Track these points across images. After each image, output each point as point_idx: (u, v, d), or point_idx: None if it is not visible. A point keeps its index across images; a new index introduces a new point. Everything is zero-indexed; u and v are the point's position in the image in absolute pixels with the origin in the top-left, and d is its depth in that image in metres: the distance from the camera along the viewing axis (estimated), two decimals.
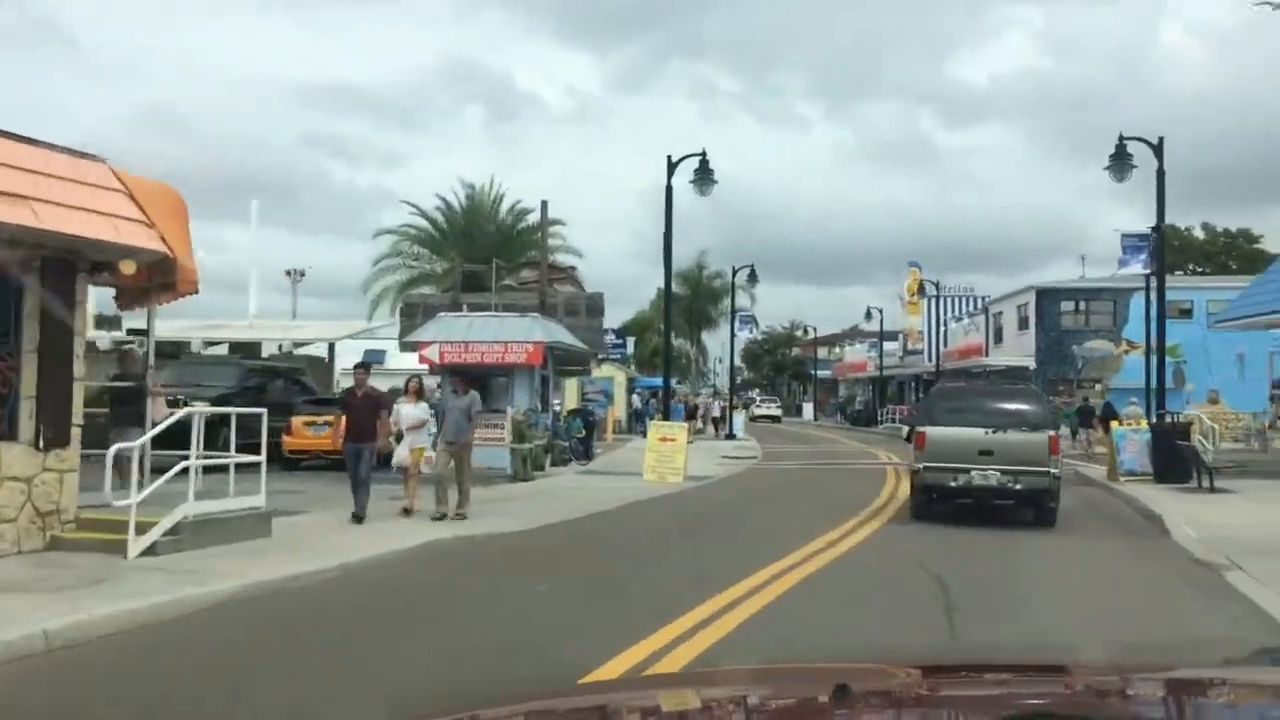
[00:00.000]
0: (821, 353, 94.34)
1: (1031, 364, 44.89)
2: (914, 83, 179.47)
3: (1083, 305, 45.42)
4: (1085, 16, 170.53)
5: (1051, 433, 14.93)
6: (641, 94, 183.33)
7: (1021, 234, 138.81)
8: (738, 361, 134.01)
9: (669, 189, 24.25)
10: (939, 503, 15.44)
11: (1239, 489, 19.18)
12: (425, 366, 24.74)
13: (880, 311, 64.94)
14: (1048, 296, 45.14)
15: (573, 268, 34.01)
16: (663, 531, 14.73)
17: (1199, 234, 69.94)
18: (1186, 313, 44.11)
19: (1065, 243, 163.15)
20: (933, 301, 55.63)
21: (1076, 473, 24.09)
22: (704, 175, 24.19)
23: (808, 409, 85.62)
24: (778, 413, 75.96)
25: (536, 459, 23.89)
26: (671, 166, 24.35)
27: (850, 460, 32.42)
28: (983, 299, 56.81)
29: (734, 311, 44.85)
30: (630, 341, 56.44)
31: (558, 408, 28.60)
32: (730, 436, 44.53)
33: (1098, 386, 44.66)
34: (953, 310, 60.31)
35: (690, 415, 36.28)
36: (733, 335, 44.89)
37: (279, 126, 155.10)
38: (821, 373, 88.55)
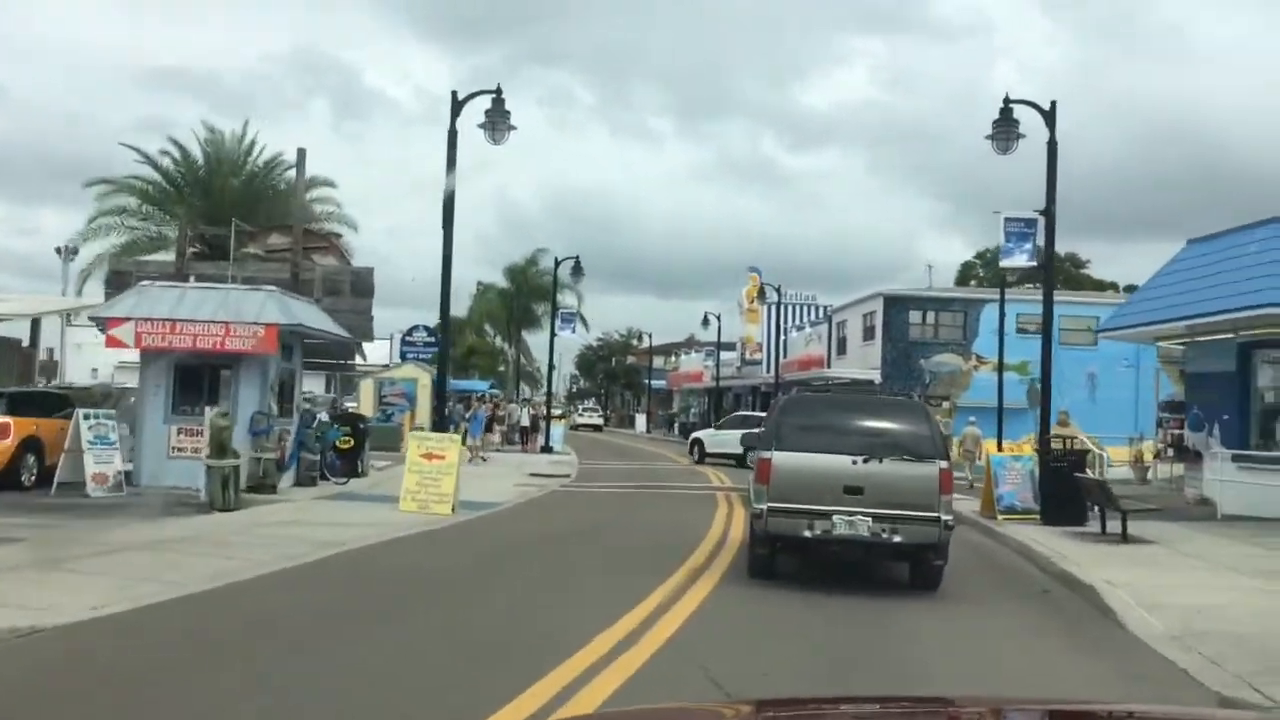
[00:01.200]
0: (659, 362, 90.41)
1: (877, 377, 41.25)
2: (763, 105, 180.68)
3: (931, 316, 42.11)
4: (924, 53, 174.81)
5: (943, 464, 10.67)
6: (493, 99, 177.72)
7: (861, 257, 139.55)
8: (571, 369, 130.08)
9: (452, 133, 18.84)
10: (785, 554, 11.30)
11: (1153, 536, 15.06)
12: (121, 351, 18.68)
13: (718, 318, 60.99)
14: (895, 305, 41.64)
15: (337, 235, 28.00)
16: (344, 614, 9.21)
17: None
18: (1037, 328, 41.25)
19: (902, 269, 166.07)
20: (773, 309, 51.79)
21: None
22: (498, 116, 18.87)
23: (640, 420, 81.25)
24: (599, 421, 72.87)
25: (267, 475, 18.09)
26: (457, 106, 18.96)
27: (676, 482, 27.59)
28: (825, 308, 53.34)
29: (554, 306, 39.65)
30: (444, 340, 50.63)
31: (312, 409, 22.71)
32: (547, 449, 39.27)
33: (945, 404, 41.34)
34: (794, 319, 56.78)
35: (490, 424, 30.77)
36: (552, 334, 39.73)
37: (116, 110, 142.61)
38: (657, 383, 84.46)
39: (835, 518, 10.35)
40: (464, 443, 30.15)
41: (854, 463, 10.44)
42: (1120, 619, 9.43)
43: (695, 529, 16.18)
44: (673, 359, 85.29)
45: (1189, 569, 12.18)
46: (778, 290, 47.96)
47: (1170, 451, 21.95)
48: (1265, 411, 19.68)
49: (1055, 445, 18.15)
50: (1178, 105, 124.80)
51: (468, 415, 29.57)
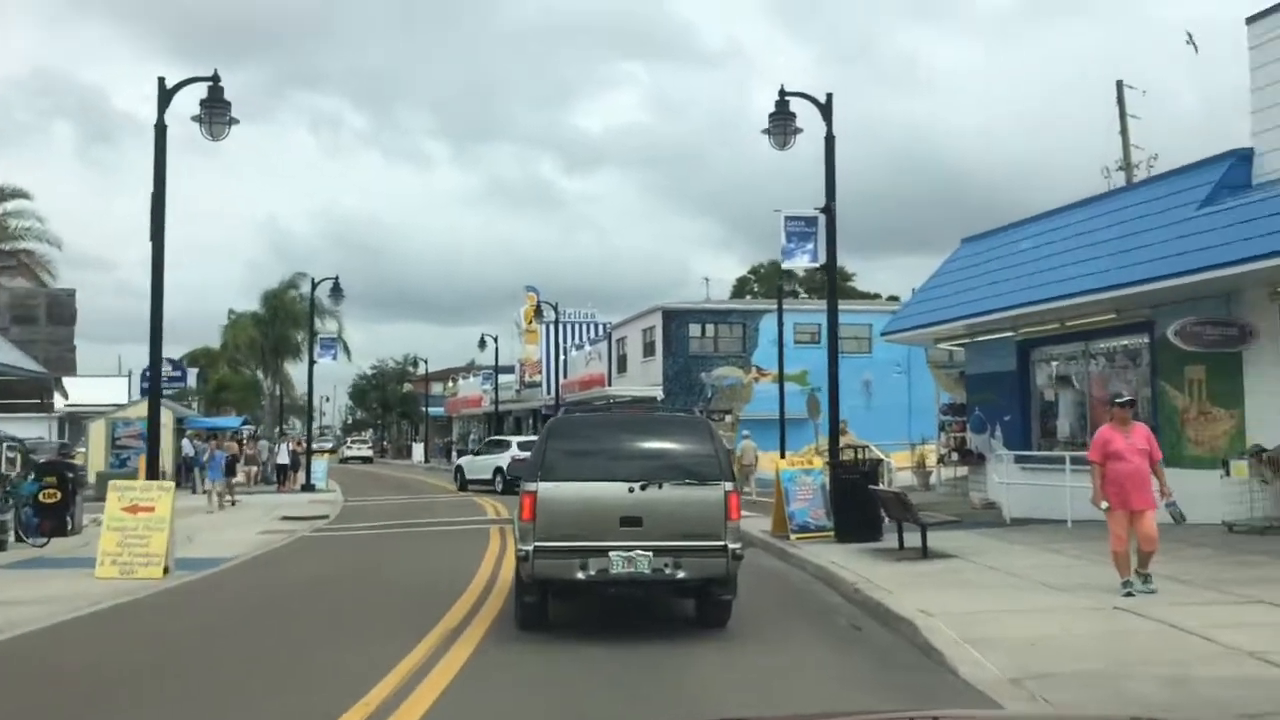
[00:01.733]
0: (438, 389, 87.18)
1: (659, 393, 40.14)
2: (535, 128, 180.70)
3: (711, 329, 41.46)
4: (689, 78, 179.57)
5: (728, 486, 9.53)
6: (260, 123, 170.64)
7: (638, 278, 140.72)
8: (344, 400, 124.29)
9: (160, 127, 16.00)
10: (559, 600, 9.98)
11: (951, 549, 14.07)
12: None
13: (495, 340, 58.73)
14: (675, 319, 40.76)
15: (28, 252, 24.21)
16: None
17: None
18: (814, 337, 41.26)
19: (679, 285, 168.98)
20: (551, 328, 50.11)
21: None
22: (215, 108, 16.18)
23: (418, 450, 77.87)
24: (369, 453, 71.07)
25: None
26: (165, 96, 16.15)
27: (446, 517, 25.25)
28: (604, 325, 52.10)
29: (312, 332, 36.48)
30: (192, 374, 46.14)
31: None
32: (309, 488, 35.98)
33: (728, 418, 40.69)
34: (573, 338, 55.29)
35: (231, 466, 27.47)
36: (311, 361, 36.48)
37: None
38: (435, 410, 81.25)
39: (612, 554, 9.14)
40: (203, 487, 26.92)
41: (631, 490, 9.26)
42: (948, 661, 8.00)
43: (461, 571, 14.17)
44: (450, 385, 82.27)
45: (1002, 587, 11.05)
46: (555, 308, 46.30)
47: (954, 455, 21.49)
48: (1045, 410, 19.40)
49: (845, 456, 17.04)
50: (914, 128, 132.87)
51: (205, 457, 26.19)
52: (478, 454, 39.69)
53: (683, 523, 9.24)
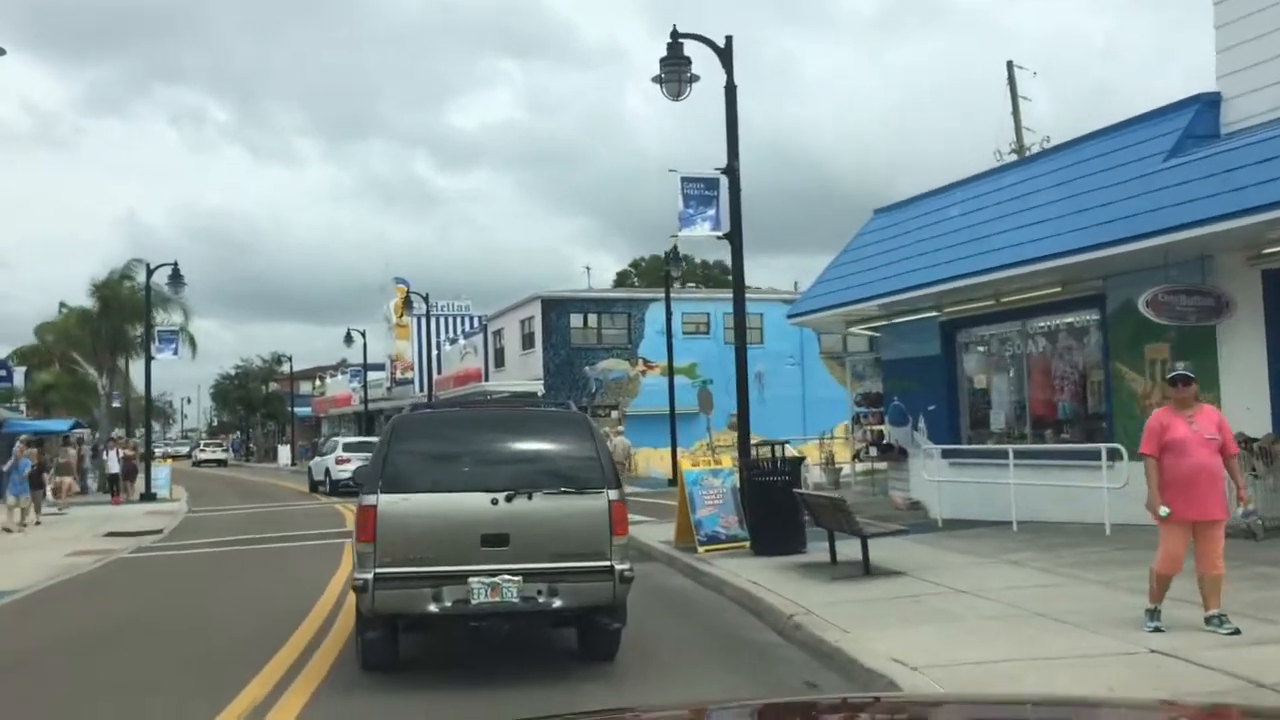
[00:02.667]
0: (306, 388, 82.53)
1: (540, 388, 37.37)
2: (409, 125, 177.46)
3: (593, 319, 38.84)
4: (565, 78, 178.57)
5: (613, 495, 8.01)
6: (117, 117, 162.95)
7: (515, 274, 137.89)
8: (209, 402, 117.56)
9: None
10: (409, 633, 8.29)
11: (894, 562, 11.76)
12: None
13: (363, 334, 55.04)
14: (555, 309, 37.99)
15: None
16: None
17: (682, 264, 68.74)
18: (704, 327, 39.08)
19: (560, 282, 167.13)
20: (422, 321, 46.76)
21: None
22: None
23: (284, 452, 73.24)
24: (223, 457, 68.88)
25: None
26: None
27: (299, 529, 22.10)
28: (480, 318, 48.96)
29: (148, 323, 32.46)
30: (20, 373, 41.34)
31: None
32: (149, 497, 32.10)
33: (614, 414, 38.20)
34: (447, 331, 52.00)
35: (39, 476, 23.66)
36: (148, 358, 32.56)
37: None
38: (303, 410, 76.69)
39: (472, 581, 7.61)
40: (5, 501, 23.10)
41: (494, 502, 7.76)
42: None
43: (304, 597, 11.68)
44: (319, 384, 77.77)
45: (990, 620, 8.68)
46: (425, 299, 42.98)
47: (871, 450, 19.34)
48: (976, 399, 17.37)
49: (763, 454, 14.66)
50: (787, 130, 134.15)
51: (4, 467, 22.38)
52: (323, 454, 37.65)
53: (558, 540, 7.76)
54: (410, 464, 7.99)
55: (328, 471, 34.30)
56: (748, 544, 14.06)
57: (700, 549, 14.20)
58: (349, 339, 54.31)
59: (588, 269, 60.52)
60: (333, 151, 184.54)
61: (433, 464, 8.06)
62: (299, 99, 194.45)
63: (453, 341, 49.85)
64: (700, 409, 34.19)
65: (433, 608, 7.61)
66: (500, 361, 43.22)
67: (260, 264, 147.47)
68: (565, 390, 37.73)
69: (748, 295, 41.20)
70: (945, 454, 16.65)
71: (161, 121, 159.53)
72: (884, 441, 18.63)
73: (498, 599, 7.61)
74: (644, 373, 38.29)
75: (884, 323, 18.71)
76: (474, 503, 7.75)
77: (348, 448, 34.72)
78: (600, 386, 37.86)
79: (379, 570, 7.58)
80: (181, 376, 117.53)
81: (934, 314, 17.35)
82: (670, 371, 33.94)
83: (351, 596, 7.90)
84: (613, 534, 7.85)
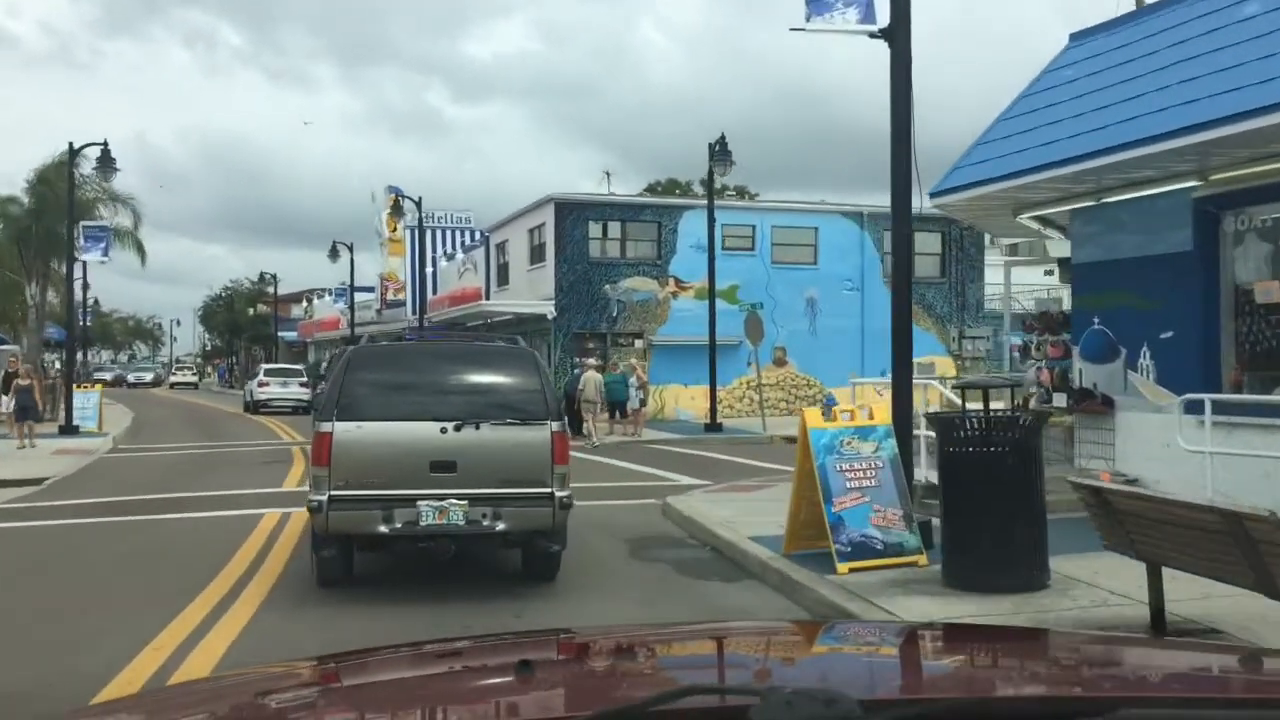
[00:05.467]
0: (299, 312, 76.43)
1: (551, 311, 31.03)
2: (425, 54, 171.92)
3: (616, 229, 32.32)
4: (578, 8, 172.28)
5: (555, 426, 8.48)
6: (131, 39, 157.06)
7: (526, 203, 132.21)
8: (196, 325, 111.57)
9: None
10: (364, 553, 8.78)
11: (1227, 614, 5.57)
12: None
13: (350, 248, 48.60)
14: (571, 215, 31.48)
15: None
16: None
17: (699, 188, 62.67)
18: (746, 242, 32.61)
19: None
20: (415, 235, 40.28)
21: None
22: None
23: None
24: (193, 380, 67.55)
25: None
26: None
27: (233, 487, 15.92)
28: (482, 233, 42.42)
29: (72, 219, 25.96)
30: None
31: None
32: (70, 430, 26.02)
33: (638, 343, 31.93)
34: (445, 245, 45.61)
35: None
36: (70, 259, 26.27)
37: None
38: (289, 334, 70.77)
39: (421, 505, 8.21)
40: None
41: (443, 430, 8.32)
42: None
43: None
44: (308, 305, 71.60)
45: None
46: (419, 205, 36.41)
47: (1059, 397, 12.88)
48: (1252, 323, 10.96)
49: (976, 405, 8.42)
50: (796, 68, 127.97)
51: None
52: (250, 380, 41.05)
53: (503, 468, 8.38)
54: (364, 393, 8.46)
55: (251, 393, 38.92)
56: (919, 558, 7.91)
57: (841, 567, 8.03)
58: (334, 253, 47.91)
59: (608, 174, 53.39)
60: (345, 77, 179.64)
61: (386, 394, 8.53)
62: (312, 22, 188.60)
63: (450, 257, 43.46)
64: (747, 338, 27.91)
65: (383, 528, 8.20)
66: (504, 279, 36.84)
67: (268, 190, 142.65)
68: (581, 313, 31.42)
69: (800, 205, 34.25)
70: (1196, 407, 10.36)
71: (174, 44, 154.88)
72: (1082, 386, 12.28)
73: (444, 521, 8.20)
74: (675, 294, 31.93)
75: (1082, 205, 12.32)
76: (424, 431, 8.31)
77: (268, 373, 40.99)
78: (623, 309, 31.51)
79: (333, 493, 8.12)
80: (180, 301, 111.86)
81: (1184, 185, 10.96)
82: (711, 291, 27.61)
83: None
84: (554, 463, 8.40)
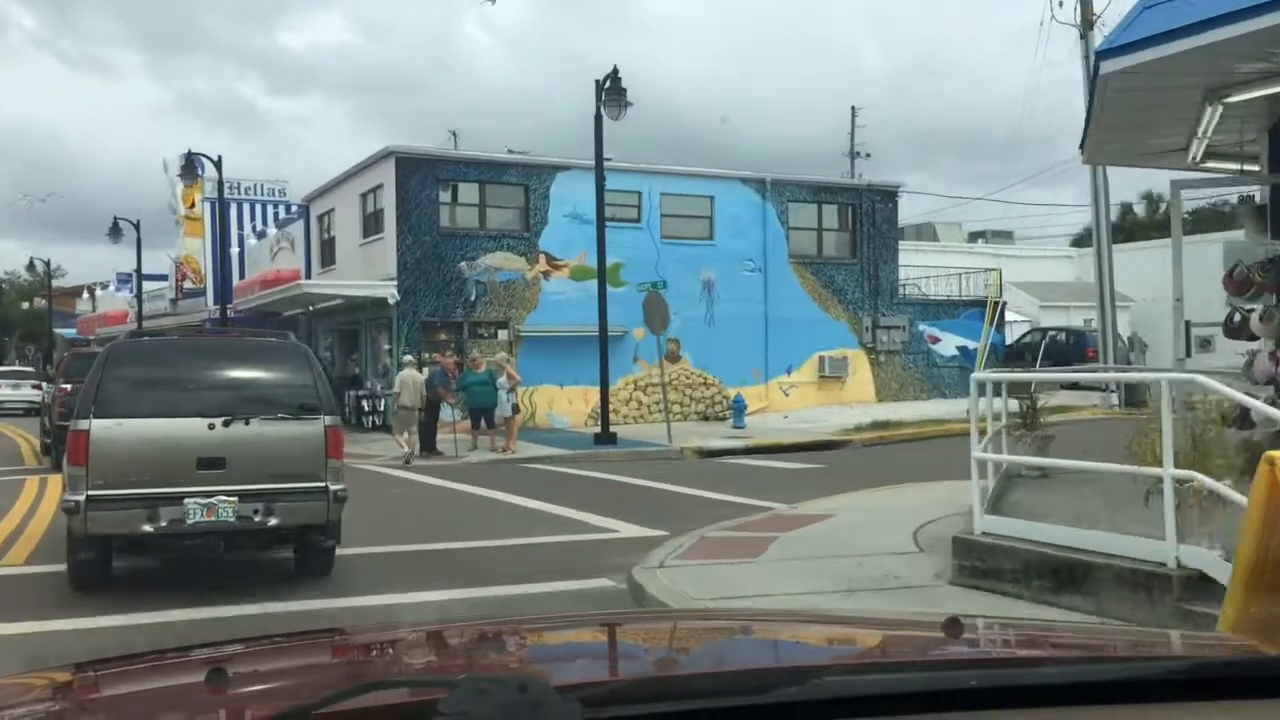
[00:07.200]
0: (86, 308, 66.58)
1: (392, 293, 24.55)
2: (238, 43, 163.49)
3: (473, 192, 26.05)
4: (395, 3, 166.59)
5: (329, 420, 8.69)
6: None
7: None
8: None
9: None
10: (123, 556, 8.71)
11: None
12: None
13: (137, 225, 40.52)
14: (416, 172, 25.03)
15: None
16: None
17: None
18: (632, 212, 26.96)
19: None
20: (215, 209, 32.91)
21: None
22: None
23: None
24: None
25: None
26: None
27: None
28: (298, 205, 35.22)
29: None
30: None
31: None
32: None
33: (502, 334, 25.85)
34: (256, 222, 38.21)
35: None
36: None
37: None
38: (69, 331, 61.22)
39: (188, 502, 8.14)
40: None
41: (211, 426, 8.31)
42: None
43: None
44: (89, 297, 62.08)
45: None
46: (218, 166, 29.11)
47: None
48: None
49: None
50: (628, 66, 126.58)
51: None
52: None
53: (275, 463, 8.42)
54: (124, 390, 8.30)
55: None
56: None
57: None
58: (115, 231, 39.69)
59: (454, 134, 46.27)
60: (154, 67, 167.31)
61: (148, 390, 8.40)
62: (112, 9, 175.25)
63: (261, 235, 36.15)
64: (647, 324, 22.30)
65: (148, 527, 8.04)
66: (329, 257, 29.99)
67: (65, 183, 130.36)
68: (430, 297, 25.09)
69: (690, 170, 28.68)
70: None
71: None
72: None
73: (213, 518, 8.15)
74: (546, 274, 25.98)
75: None
76: (190, 427, 8.24)
77: None
78: (483, 292, 25.33)
79: (91, 493, 7.95)
80: None
81: None
82: (601, 266, 21.86)
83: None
84: (328, 457, 8.50)
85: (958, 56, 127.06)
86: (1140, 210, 65.05)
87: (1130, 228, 59.56)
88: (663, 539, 10.53)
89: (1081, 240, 61.46)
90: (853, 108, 51.66)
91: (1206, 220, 40.50)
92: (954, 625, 1.93)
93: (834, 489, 14.14)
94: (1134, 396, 23.92)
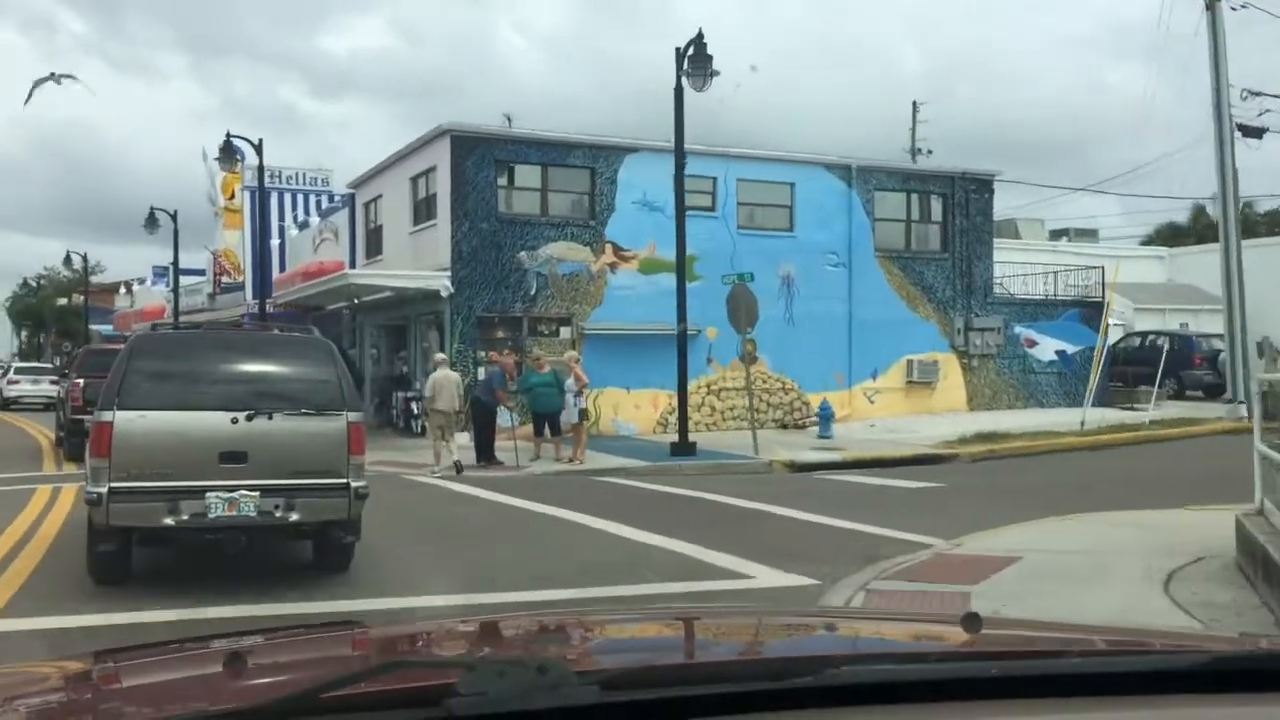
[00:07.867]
0: (124, 303, 65.36)
1: (446, 285, 22.29)
2: (280, 48, 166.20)
3: (534, 175, 23.76)
4: (437, 9, 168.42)
5: (352, 417, 8.57)
6: None
7: None
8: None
9: None
10: (144, 548, 8.64)
11: None
12: None
13: (174, 216, 38.71)
14: (473, 153, 22.77)
15: None
16: None
17: None
18: (706, 199, 24.52)
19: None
20: (256, 198, 30.99)
21: None
22: None
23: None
24: None
25: None
26: None
27: None
28: (341, 195, 33.11)
29: None
30: None
31: None
32: None
33: (564, 331, 23.55)
34: (300, 212, 36.24)
35: None
36: None
37: None
38: (105, 327, 59.85)
39: (210, 496, 8.09)
40: None
41: (234, 421, 8.24)
42: None
43: None
44: (129, 293, 60.69)
45: None
46: (259, 150, 27.07)
47: None
48: None
49: None
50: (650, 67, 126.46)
51: None
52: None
53: (297, 458, 8.36)
54: (148, 382, 8.29)
55: (1, 391, 39.34)
56: None
57: None
58: (152, 221, 37.88)
59: (508, 118, 43.54)
60: (196, 69, 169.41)
61: (172, 382, 8.38)
62: (159, 13, 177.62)
63: (303, 225, 34.14)
64: (732, 321, 19.87)
65: (169, 520, 8.00)
66: (376, 247, 27.81)
67: (111, 184, 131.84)
68: (486, 290, 22.79)
69: (767, 154, 25.79)
70: None
71: (10, 29, 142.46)
72: None
73: (235, 513, 8.10)
74: (613, 266, 23.64)
75: None
76: (213, 421, 8.17)
77: (19, 370, 43.61)
78: (544, 285, 23.03)
79: (113, 485, 7.92)
80: None
81: None
82: (680, 257, 19.52)
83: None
84: (350, 454, 8.39)
85: (1005, 58, 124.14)
86: (1212, 210, 61.84)
87: (1201, 230, 56.64)
88: (815, 590, 8.17)
89: (1151, 240, 58.53)
90: (914, 103, 48.86)
91: None
92: (973, 620, 1.89)
93: (975, 517, 11.72)
94: (1276, 408, 21.14)
